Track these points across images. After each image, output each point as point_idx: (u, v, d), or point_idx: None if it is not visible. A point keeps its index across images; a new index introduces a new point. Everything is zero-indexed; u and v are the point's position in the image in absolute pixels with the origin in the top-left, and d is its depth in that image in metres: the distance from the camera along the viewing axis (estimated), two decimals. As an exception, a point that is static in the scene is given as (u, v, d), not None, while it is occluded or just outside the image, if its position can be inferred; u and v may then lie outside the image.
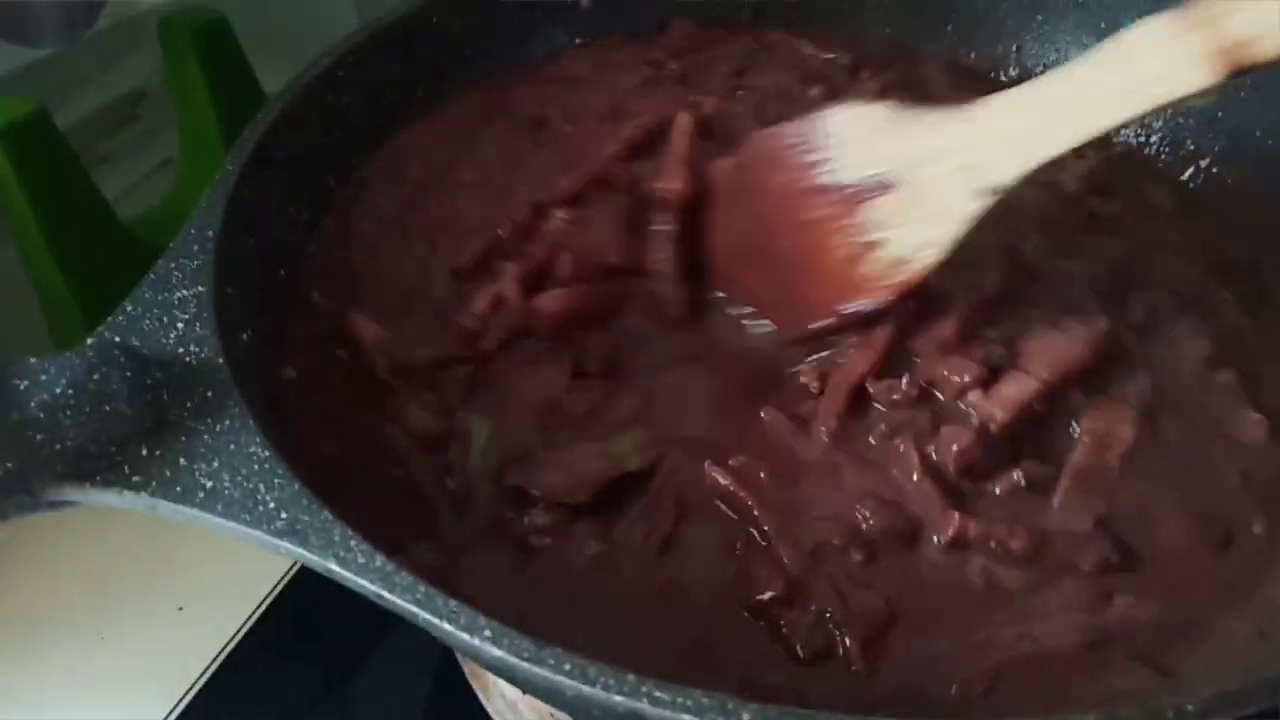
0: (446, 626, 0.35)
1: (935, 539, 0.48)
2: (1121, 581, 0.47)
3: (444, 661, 0.63)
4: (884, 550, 0.48)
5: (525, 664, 0.34)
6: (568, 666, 0.34)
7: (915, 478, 0.50)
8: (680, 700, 0.33)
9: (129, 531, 0.72)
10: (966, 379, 0.52)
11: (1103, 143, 0.67)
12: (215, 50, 0.78)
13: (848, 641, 0.45)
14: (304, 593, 0.68)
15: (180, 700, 0.63)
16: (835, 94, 0.70)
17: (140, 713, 0.62)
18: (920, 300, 0.55)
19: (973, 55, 0.78)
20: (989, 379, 0.52)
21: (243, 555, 0.70)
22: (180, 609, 0.68)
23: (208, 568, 0.70)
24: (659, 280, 0.60)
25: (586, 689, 0.33)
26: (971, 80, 0.75)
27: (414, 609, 0.36)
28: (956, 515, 0.48)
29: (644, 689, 0.33)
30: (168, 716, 0.63)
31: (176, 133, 0.87)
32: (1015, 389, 0.51)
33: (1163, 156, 0.71)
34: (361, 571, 0.37)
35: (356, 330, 0.56)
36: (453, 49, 0.71)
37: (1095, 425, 0.51)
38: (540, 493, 0.48)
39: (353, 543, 0.38)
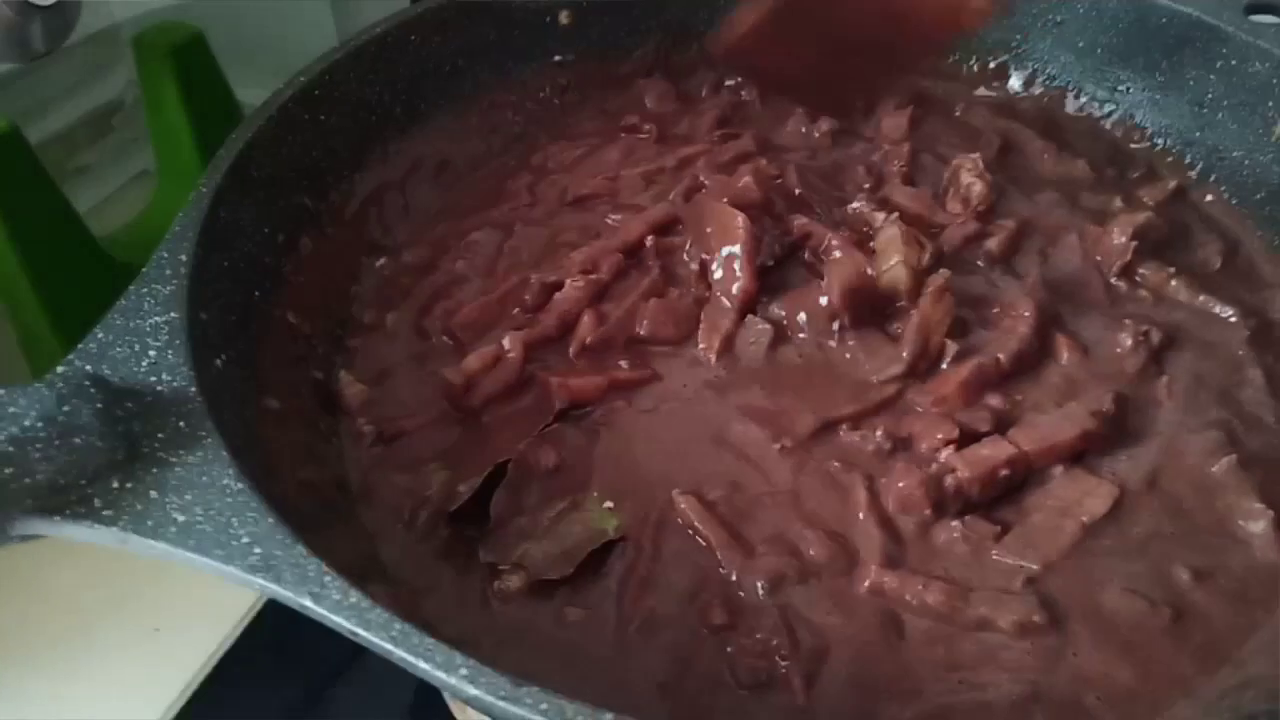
0: (422, 665, 0.35)
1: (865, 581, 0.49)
2: (1048, 643, 0.47)
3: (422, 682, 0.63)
4: (825, 580, 0.49)
5: (502, 703, 0.34)
6: (544, 706, 0.33)
7: (860, 515, 0.51)
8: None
9: (102, 551, 0.70)
10: (939, 438, 0.53)
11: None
12: (190, 66, 0.77)
13: (790, 673, 0.45)
14: (282, 610, 0.67)
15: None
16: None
17: (124, 733, 0.62)
18: (936, 356, 0.57)
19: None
20: (966, 441, 0.53)
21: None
22: (157, 630, 0.67)
23: (184, 586, 0.69)
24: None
25: (564, 730, 0.33)
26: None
27: (389, 647, 0.35)
28: (873, 567, 0.49)
29: (620, 731, 0.33)
30: (150, 735, 0.62)
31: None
32: (988, 451, 0.52)
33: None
34: (336, 609, 0.36)
35: (341, 393, 0.57)
36: (432, 66, 0.71)
37: (1065, 494, 0.52)
38: (523, 568, 0.49)
39: (327, 579, 0.37)
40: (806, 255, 0.64)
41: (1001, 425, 0.54)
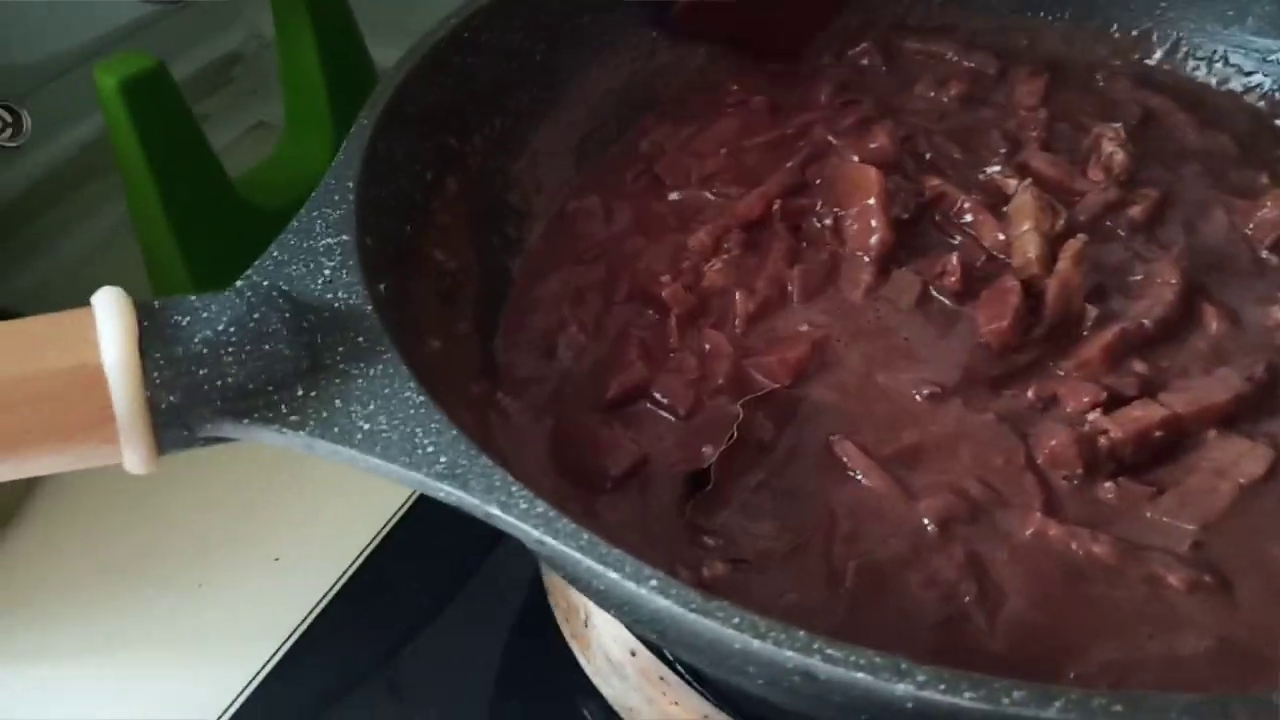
0: (611, 575, 0.35)
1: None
2: (1221, 600, 0.46)
3: (525, 613, 0.64)
4: (991, 524, 0.49)
5: (693, 615, 0.34)
6: (737, 620, 0.34)
7: (1018, 466, 0.51)
8: (853, 659, 0.32)
9: (225, 484, 0.73)
10: (1085, 400, 0.53)
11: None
12: (326, 14, 0.78)
13: (978, 614, 0.45)
14: (399, 543, 0.69)
15: (278, 650, 0.64)
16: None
17: (239, 663, 0.63)
18: (1076, 320, 0.56)
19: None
20: (1112, 403, 0.53)
21: (337, 508, 0.71)
22: (276, 559, 0.69)
23: (303, 520, 0.71)
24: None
25: (756, 643, 0.33)
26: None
27: (577, 555, 0.36)
28: (1037, 515, 0.49)
29: (816, 645, 0.33)
30: (265, 665, 0.63)
31: (274, 97, 0.88)
32: (1140, 412, 0.52)
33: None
34: (524, 517, 0.37)
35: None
36: (568, 18, 0.71)
37: (1221, 455, 0.51)
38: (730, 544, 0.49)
39: (514, 489, 0.38)
40: (938, 217, 0.64)
41: (1148, 390, 0.53)
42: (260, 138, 1.01)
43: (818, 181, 0.66)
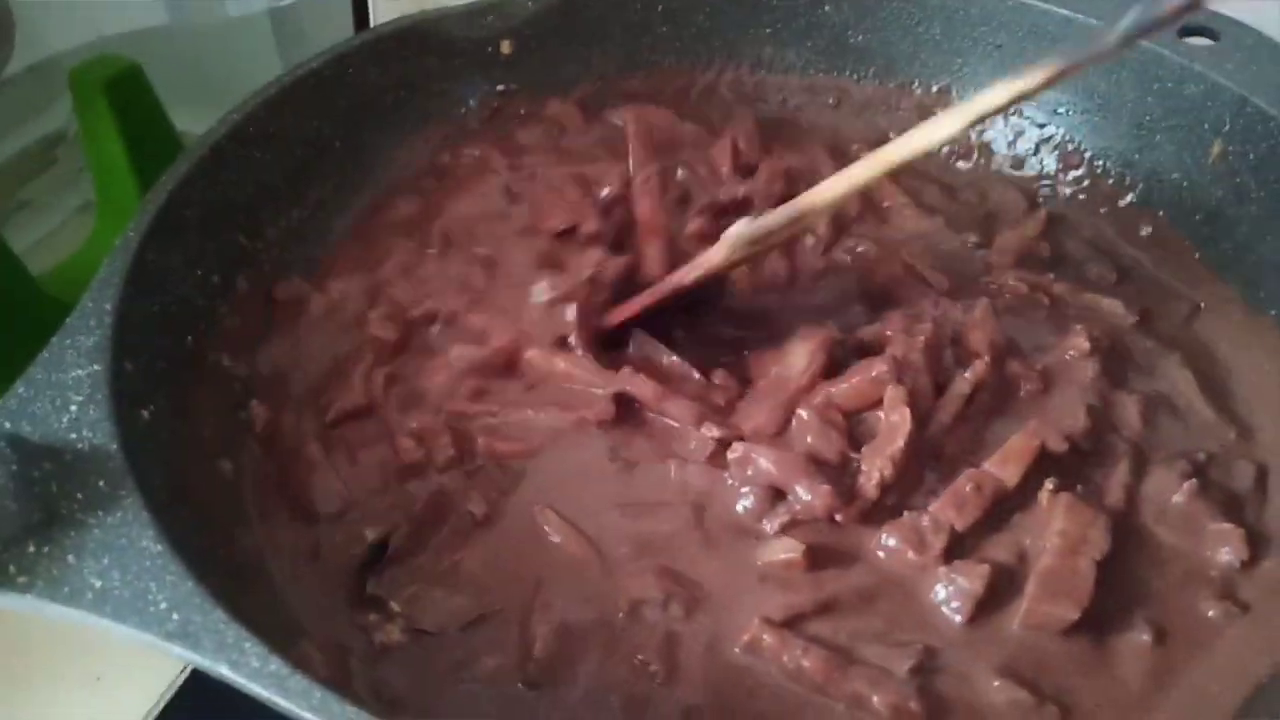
0: (343, 733, 0.34)
1: None
2: None
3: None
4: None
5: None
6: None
7: None
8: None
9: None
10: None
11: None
12: (127, 99, 0.76)
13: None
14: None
15: (105, 770, 0.62)
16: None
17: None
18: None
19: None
20: None
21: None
22: (98, 679, 0.66)
23: (127, 634, 0.68)
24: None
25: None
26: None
27: (309, 716, 0.35)
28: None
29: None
30: (92, 789, 0.61)
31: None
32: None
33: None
34: (254, 676, 0.36)
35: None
36: (371, 100, 0.70)
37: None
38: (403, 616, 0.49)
39: (246, 645, 0.36)
40: None
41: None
42: (86, 221, 0.98)
43: None
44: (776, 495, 0.53)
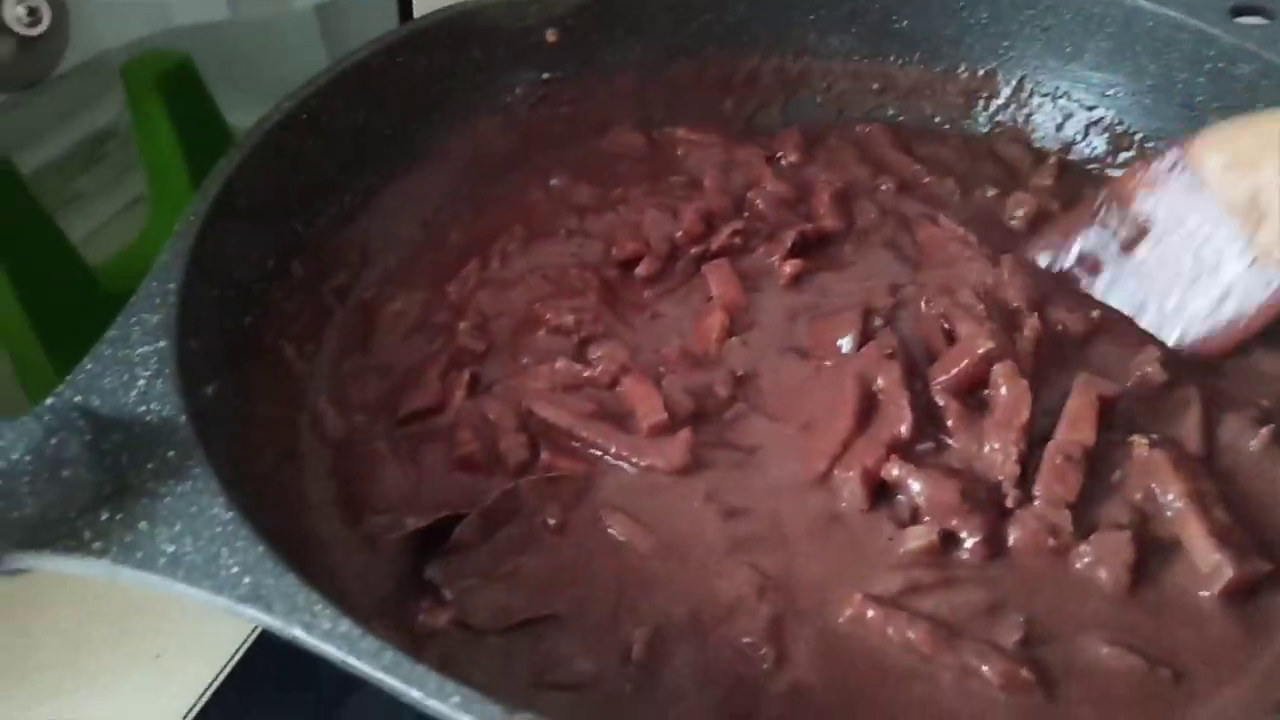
0: (414, 693, 0.35)
1: None
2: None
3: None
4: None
5: (495, 730, 0.34)
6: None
7: None
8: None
9: (102, 580, 0.70)
10: None
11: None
12: (179, 93, 0.77)
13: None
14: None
15: (163, 748, 0.62)
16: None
17: (125, 765, 0.61)
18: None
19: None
20: None
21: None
22: (157, 656, 0.67)
23: (184, 612, 0.69)
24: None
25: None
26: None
27: (380, 675, 0.35)
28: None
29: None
30: (153, 766, 0.62)
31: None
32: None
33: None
34: (326, 638, 0.36)
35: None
36: (419, 89, 0.70)
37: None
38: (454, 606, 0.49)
39: (317, 608, 0.37)
40: None
41: None
42: (140, 213, 0.99)
43: None
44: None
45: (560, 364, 0.60)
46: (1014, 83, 0.76)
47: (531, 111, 0.75)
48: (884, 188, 0.71)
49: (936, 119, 0.77)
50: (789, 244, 0.66)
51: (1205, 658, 0.47)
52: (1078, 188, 0.70)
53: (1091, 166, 0.74)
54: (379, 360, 0.62)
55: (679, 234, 0.68)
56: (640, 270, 0.66)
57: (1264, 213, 0.54)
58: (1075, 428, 0.52)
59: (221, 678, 0.66)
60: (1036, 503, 0.51)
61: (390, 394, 0.60)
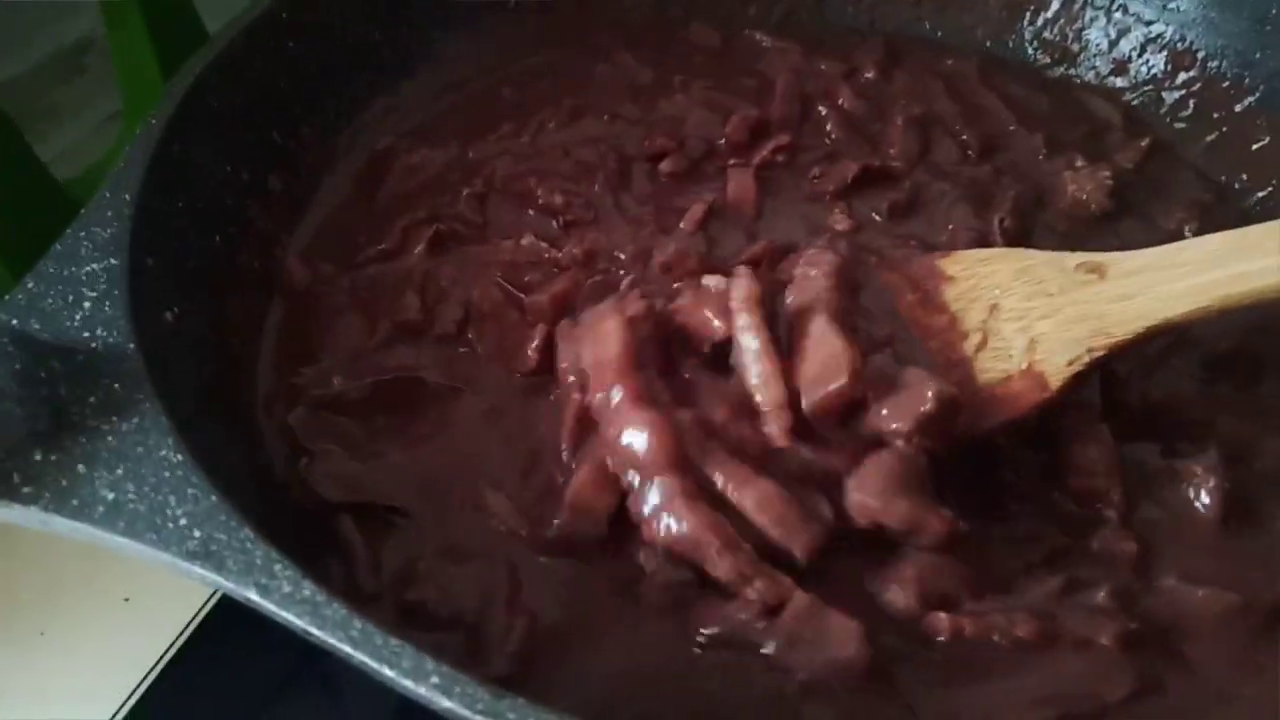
0: (387, 671, 0.30)
1: None
2: None
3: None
4: None
5: (479, 717, 0.29)
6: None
7: None
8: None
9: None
10: None
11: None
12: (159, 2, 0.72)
13: None
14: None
15: (131, 694, 0.58)
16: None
17: (89, 709, 0.57)
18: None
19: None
20: None
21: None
22: (126, 600, 0.63)
23: (155, 555, 0.65)
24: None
25: (548, 744, 0.28)
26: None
27: (347, 649, 0.30)
28: None
29: None
30: (118, 712, 0.57)
31: (121, 85, 0.81)
32: None
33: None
34: (285, 603, 0.31)
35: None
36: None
37: None
38: None
39: (277, 567, 0.32)
40: None
41: None
42: (114, 131, 0.94)
43: None
44: None
45: (526, 240, 0.57)
46: (1064, -7, 0.69)
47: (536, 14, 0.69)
48: (963, 137, 0.65)
49: (978, 32, 0.71)
50: (849, 178, 0.61)
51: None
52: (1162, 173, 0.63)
53: (1146, 89, 0.67)
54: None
55: (721, 140, 0.64)
56: (664, 166, 0.62)
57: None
58: None
59: (193, 627, 0.63)
60: None
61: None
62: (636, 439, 0.42)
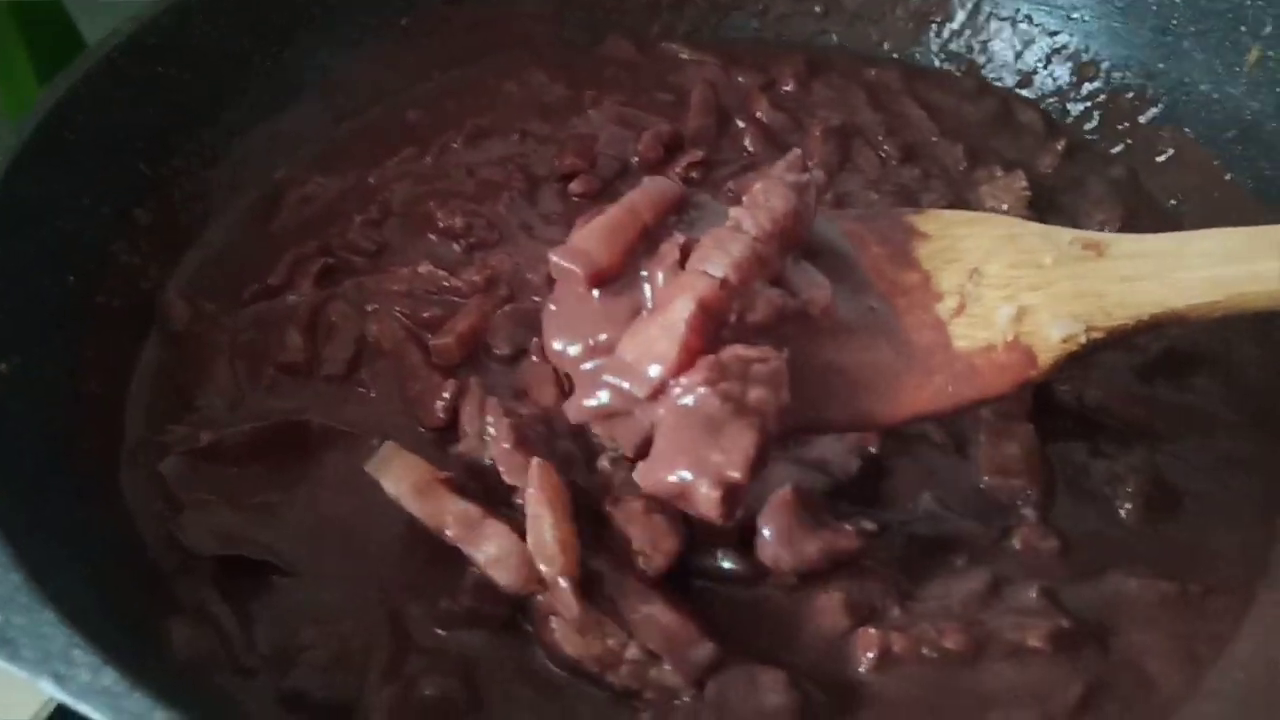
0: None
1: None
2: None
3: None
4: None
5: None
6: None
7: None
8: None
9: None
10: None
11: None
12: (33, 10, 0.69)
13: None
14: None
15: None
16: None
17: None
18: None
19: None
20: None
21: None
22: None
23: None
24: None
25: None
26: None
27: (147, 741, 0.28)
28: None
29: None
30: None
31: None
32: None
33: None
34: (83, 693, 0.29)
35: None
36: (295, 9, 0.62)
37: None
38: None
39: (76, 653, 0.30)
40: None
41: None
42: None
43: None
44: None
45: (424, 268, 0.55)
46: (970, 5, 0.68)
47: (427, 36, 0.67)
48: (885, 148, 0.63)
49: (885, 45, 0.69)
50: None
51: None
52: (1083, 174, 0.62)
53: (1052, 100, 0.66)
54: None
55: (634, 158, 0.62)
56: (574, 187, 0.60)
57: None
58: None
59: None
60: None
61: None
62: None
